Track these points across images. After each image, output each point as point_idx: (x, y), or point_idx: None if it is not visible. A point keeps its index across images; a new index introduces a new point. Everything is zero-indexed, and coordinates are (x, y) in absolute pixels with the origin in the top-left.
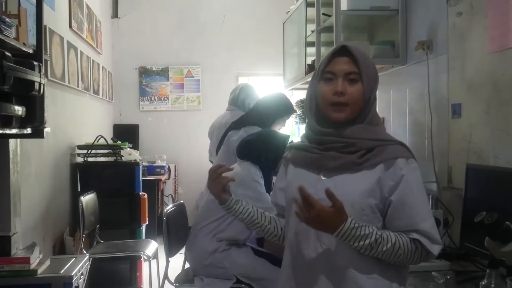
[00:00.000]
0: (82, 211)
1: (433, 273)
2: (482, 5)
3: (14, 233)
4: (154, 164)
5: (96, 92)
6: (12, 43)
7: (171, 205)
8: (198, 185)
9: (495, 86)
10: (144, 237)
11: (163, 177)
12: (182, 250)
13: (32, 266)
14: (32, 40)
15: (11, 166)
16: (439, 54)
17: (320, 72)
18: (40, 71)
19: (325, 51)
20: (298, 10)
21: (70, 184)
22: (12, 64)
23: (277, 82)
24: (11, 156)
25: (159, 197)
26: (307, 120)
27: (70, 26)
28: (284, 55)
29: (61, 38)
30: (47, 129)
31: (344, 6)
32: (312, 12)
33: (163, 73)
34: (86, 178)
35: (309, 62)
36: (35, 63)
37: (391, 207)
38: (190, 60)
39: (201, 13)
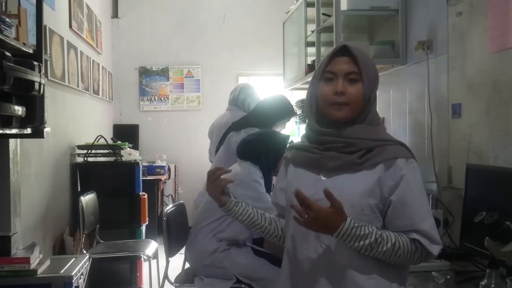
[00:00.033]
0: (82, 211)
1: (433, 273)
2: (482, 5)
3: (14, 233)
4: (154, 164)
5: (96, 92)
6: (12, 43)
7: (171, 205)
8: (198, 185)
9: (495, 86)
10: (144, 237)
11: (163, 177)
12: (182, 250)
13: (32, 266)
14: (32, 40)
15: (11, 166)
16: (439, 54)
17: (320, 72)
18: (40, 71)
19: (325, 51)
20: (298, 10)
21: (70, 184)
22: (12, 64)
23: (277, 82)
24: (11, 156)
25: (159, 197)
26: (307, 120)
27: (70, 26)
28: (284, 55)
29: (61, 38)
30: (47, 129)
31: (344, 6)
32: (312, 12)
33: (163, 73)
34: (86, 178)
35: (309, 62)
36: (35, 63)
37: (391, 207)
38: (190, 60)
39: (201, 13)
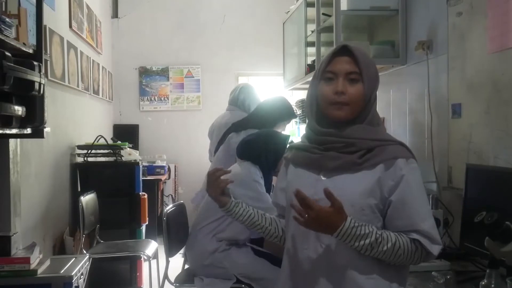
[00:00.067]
0: (82, 211)
1: (433, 273)
2: (482, 5)
3: (14, 233)
4: (154, 164)
5: (96, 92)
6: (12, 43)
7: (171, 205)
8: (198, 185)
9: (495, 86)
10: (144, 237)
11: (163, 177)
12: (182, 250)
13: (32, 266)
14: (32, 40)
15: (11, 166)
16: (439, 54)
17: (320, 72)
18: (40, 71)
19: (325, 51)
20: (298, 10)
21: (70, 184)
22: (12, 64)
23: (277, 82)
24: (11, 156)
25: (159, 197)
26: (307, 120)
27: (70, 26)
28: (284, 55)
29: (61, 38)
30: (47, 129)
31: (344, 6)
32: (312, 12)
33: (163, 73)
34: (86, 178)
35: (309, 62)
36: (35, 63)
37: (391, 207)
38: (190, 60)
39: (201, 13)
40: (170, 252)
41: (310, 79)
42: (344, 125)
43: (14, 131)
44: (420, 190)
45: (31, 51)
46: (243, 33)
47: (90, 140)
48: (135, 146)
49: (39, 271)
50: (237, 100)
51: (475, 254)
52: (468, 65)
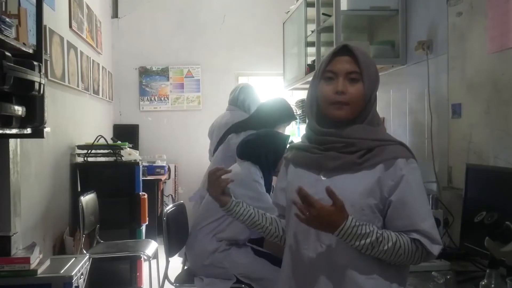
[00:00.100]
0: (82, 211)
1: (433, 273)
2: (482, 5)
3: (14, 233)
4: (154, 164)
5: (96, 92)
6: (12, 43)
7: (171, 205)
8: (198, 185)
9: (495, 86)
10: (144, 237)
11: (163, 177)
12: (182, 250)
13: (32, 266)
14: (32, 40)
15: (11, 166)
16: (439, 54)
17: (321, 72)
18: (40, 71)
19: (325, 51)
20: (298, 10)
21: (70, 184)
22: (12, 64)
23: (277, 82)
24: (11, 156)
25: (159, 197)
26: (307, 120)
27: (70, 26)
28: (284, 55)
29: (61, 38)
30: (47, 129)
31: (344, 6)
32: (312, 12)
33: (163, 73)
34: (86, 178)
35: (309, 62)
36: (35, 63)
37: (391, 207)
38: (190, 60)
39: (201, 13)
40: (170, 252)
41: (310, 79)
42: (344, 125)
43: (14, 131)
44: (420, 190)
45: (31, 51)
46: (243, 33)
47: (90, 140)
48: (135, 146)
49: (39, 271)
50: (237, 100)
51: (475, 254)
52: (468, 65)
